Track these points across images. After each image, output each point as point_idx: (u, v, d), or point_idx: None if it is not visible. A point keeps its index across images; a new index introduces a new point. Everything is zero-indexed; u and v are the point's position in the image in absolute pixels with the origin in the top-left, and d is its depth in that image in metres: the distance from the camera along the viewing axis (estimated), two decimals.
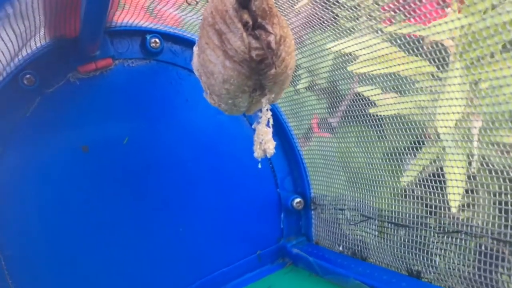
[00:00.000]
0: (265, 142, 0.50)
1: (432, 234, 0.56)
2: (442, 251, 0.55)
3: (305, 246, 0.86)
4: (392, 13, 0.51)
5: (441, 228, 0.54)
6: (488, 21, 0.43)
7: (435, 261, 0.56)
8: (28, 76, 0.70)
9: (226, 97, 0.47)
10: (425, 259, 0.58)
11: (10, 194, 0.72)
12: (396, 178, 0.63)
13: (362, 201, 0.71)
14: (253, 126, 0.50)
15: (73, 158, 0.75)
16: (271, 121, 0.50)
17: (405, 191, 0.62)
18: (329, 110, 0.72)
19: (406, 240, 0.61)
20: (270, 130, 0.50)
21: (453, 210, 0.53)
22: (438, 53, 0.50)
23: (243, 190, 0.87)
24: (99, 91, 0.76)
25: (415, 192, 0.60)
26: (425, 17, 0.49)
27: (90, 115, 0.75)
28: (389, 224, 0.63)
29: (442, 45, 0.50)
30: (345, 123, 0.69)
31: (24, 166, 0.72)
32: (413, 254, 0.59)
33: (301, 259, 0.83)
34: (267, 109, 0.49)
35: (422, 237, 0.58)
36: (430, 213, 0.57)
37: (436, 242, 0.55)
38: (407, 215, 0.61)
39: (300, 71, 0.74)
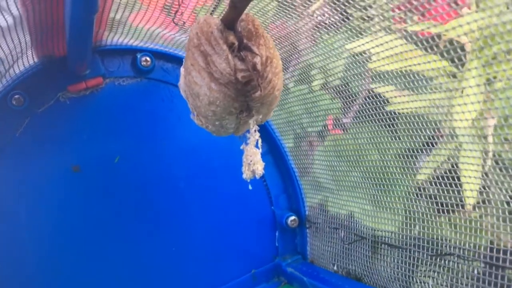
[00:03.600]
0: (253, 163, 0.49)
1: (425, 256, 0.55)
2: (435, 273, 0.54)
3: (299, 265, 0.85)
4: (404, 8, 0.50)
5: (434, 250, 0.53)
6: (505, 17, 0.42)
7: (428, 283, 0.55)
8: (17, 96, 0.69)
9: (213, 118, 0.46)
10: (418, 281, 0.56)
11: (1, 215, 0.71)
12: (409, 177, 0.62)
13: (356, 220, 0.70)
14: (241, 147, 0.49)
15: (64, 178, 0.74)
16: (259, 142, 0.48)
17: (418, 189, 0.60)
18: (343, 109, 0.71)
19: (399, 262, 0.59)
20: (259, 151, 0.49)
21: (468, 207, 0.52)
22: (454, 51, 0.48)
23: (237, 208, 0.86)
24: (90, 110, 0.75)
25: (429, 190, 0.58)
26: (439, 16, 0.48)
27: (81, 135, 0.75)
28: (383, 245, 0.62)
29: (458, 42, 0.49)
30: (358, 122, 0.68)
31: (15, 187, 0.71)
32: (406, 276, 0.58)
33: (295, 279, 0.82)
34: (255, 130, 0.48)
35: (415, 259, 0.57)
36: (443, 212, 0.55)
37: (429, 264, 0.54)
38: (402, 236, 0.60)
39: (314, 71, 0.73)
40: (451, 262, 0.51)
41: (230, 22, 0.42)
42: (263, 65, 0.43)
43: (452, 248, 0.51)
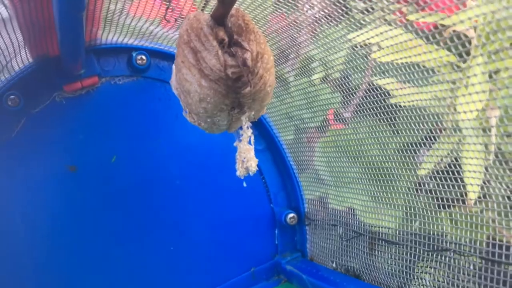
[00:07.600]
0: (247, 160, 0.49)
1: (422, 252, 0.54)
2: (432, 269, 0.53)
3: (299, 262, 0.85)
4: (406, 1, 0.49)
5: (431, 246, 0.52)
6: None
7: (425, 279, 0.54)
8: (12, 97, 0.69)
9: (204, 115, 0.46)
10: (415, 277, 0.56)
11: None
12: (409, 171, 0.61)
13: (355, 216, 0.69)
14: (234, 144, 0.49)
15: (61, 178, 0.74)
16: (252, 139, 0.48)
17: (419, 184, 0.60)
18: (343, 102, 0.70)
19: (397, 258, 0.59)
20: (252, 147, 0.48)
21: (470, 202, 0.51)
22: (461, 44, 0.47)
23: (236, 206, 0.86)
24: (86, 110, 0.75)
25: (430, 185, 0.58)
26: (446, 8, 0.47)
27: (77, 134, 0.75)
28: (380, 241, 0.62)
29: (465, 35, 0.48)
30: (359, 116, 0.67)
31: (12, 188, 0.71)
32: (404, 273, 0.58)
33: (294, 276, 0.81)
34: (247, 127, 0.48)
35: (413, 255, 0.56)
36: (443, 207, 0.55)
37: (426, 260, 0.54)
38: (399, 232, 0.59)
39: (314, 64, 0.72)
40: (447, 258, 0.51)
41: (219, 18, 0.42)
42: (253, 60, 0.43)
43: (449, 244, 0.51)
